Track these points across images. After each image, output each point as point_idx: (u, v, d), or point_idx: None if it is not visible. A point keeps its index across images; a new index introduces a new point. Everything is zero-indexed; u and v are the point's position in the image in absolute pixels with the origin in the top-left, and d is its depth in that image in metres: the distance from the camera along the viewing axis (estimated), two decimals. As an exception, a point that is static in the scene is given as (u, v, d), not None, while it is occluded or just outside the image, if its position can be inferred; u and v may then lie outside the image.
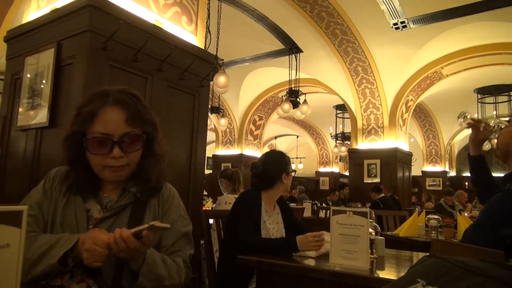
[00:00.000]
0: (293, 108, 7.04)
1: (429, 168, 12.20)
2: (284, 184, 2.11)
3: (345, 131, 11.06)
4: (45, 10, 2.63)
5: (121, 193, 1.13)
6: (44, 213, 1.09)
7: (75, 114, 1.09)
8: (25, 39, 2.66)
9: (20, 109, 2.56)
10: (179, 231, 1.15)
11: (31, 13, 2.77)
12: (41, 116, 2.40)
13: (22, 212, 0.64)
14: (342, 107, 10.14)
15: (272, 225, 2.05)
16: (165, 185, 1.21)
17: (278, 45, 7.19)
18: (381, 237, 1.82)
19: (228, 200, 3.41)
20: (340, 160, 15.04)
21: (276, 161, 2.13)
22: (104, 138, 1.04)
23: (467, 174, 14.88)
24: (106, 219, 1.07)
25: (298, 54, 7.33)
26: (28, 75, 2.54)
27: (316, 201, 7.79)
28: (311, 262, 1.59)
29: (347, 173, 11.83)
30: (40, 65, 2.47)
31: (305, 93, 7.91)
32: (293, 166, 15.63)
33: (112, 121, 1.05)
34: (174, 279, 1.05)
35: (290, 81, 7.51)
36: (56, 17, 2.43)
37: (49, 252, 0.94)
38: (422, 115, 11.16)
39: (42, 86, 2.43)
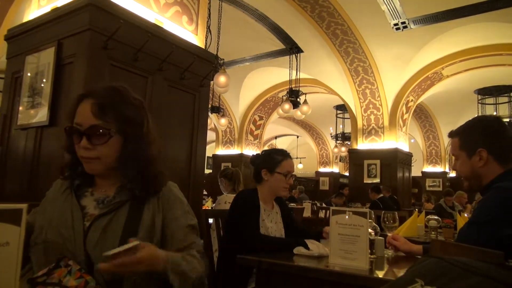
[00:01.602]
0: (293, 108, 7.04)
1: (429, 168, 12.21)
2: (268, 182, 2.06)
3: (345, 131, 11.06)
4: (45, 9, 2.63)
5: (119, 189, 1.12)
6: (37, 221, 1.11)
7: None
8: (26, 38, 2.66)
9: (20, 108, 2.56)
10: (188, 225, 1.16)
11: (32, 12, 2.77)
12: (41, 115, 2.40)
13: (22, 210, 0.64)
14: (342, 107, 10.14)
15: (271, 224, 2.04)
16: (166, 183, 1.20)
17: (279, 45, 7.19)
18: (381, 237, 1.82)
19: (228, 200, 3.41)
20: (340, 160, 15.04)
21: (263, 156, 2.13)
22: (75, 128, 1.09)
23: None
24: (104, 216, 1.07)
25: (298, 54, 7.33)
26: (29, 74, 2.54)
27: (316, 201, 7.78)
28: (310, 262, 1.59)
29: (347, 173, 11.84)
30: (41, 64, 2.47)
31: (305, 93, 7.92)
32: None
33: (83, 113, 1.09)
34: (198, 271, 1.08)
35: (290, 81, 7.51)
36: (56, 16, 2.43)
37: None
38: (423, 115, 11.16)
39: (42, 85, 2.43)
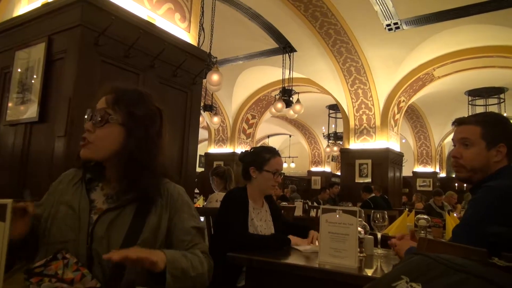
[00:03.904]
0: (286, 107, 7.05)
1: (420, 168, 12.31)
2: (256, 180, 2.06)
3: (337, 131, 11.10)
4: (36, 4, 2.60)
5: (128, 186, 1.14)
6: (46, 207, 1.14)
7: None
8: (16, 33, 2.63)
9: (10, 104, 2.53)
10: (194, 227, 1.18)
11: (22, 7, 2.73)
12: (31, 111, 2.37)
13: (7, 206, 0.63)
14: (334, 107, 10.17)
15: (260, 223, 2.04)
16: (174, 186, 1.22)
17: (272, 44, 7.19)
18: (370, 236, 1.83)
19: (219, 198, 3.41)
20: (332, 160, 15.10)
21: (251, 154, 2.13)
22: (90, 112, 1.13)
23: (457, 175, 15.01)
24: (111, 211, 1.09)
25: (291, 54, 7.34)
26: (19, 70, 2.51)
27: (307, 200, 7.82)
28: (300, 260, 1.59)
29: (339, 173, 11.89)
30: (31, 59, 2.44)
31: (298, 93, 7.93)
32: (285, 165, 15.62)
33: (100, 103, 1.14)
34: (198, 269, 1.09)
35: (283, 80, 7.52)
36: (47, 11, 2.41)
37: None
38: (414, 116, 11.26)
39: (32, 81, 2.40)
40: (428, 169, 12.19)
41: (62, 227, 1.06)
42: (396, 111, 7.99)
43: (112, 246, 1.03)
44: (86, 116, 1.14)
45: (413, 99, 8.46)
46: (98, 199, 1.13)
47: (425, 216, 3.04)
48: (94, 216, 1.09)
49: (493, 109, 9.14)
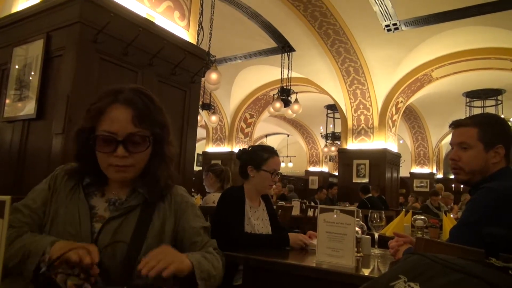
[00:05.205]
0: (284, 107, 7.05)
1: (417, 169, 12.35)
2: (253, 179, 2.05)
3: (335, 131, 11.11)
4: (34, 0, 2.59)
5: (131, 193, 1.12)
6: (46, 209, 1.09)
7: (86, 109, 1.09)
8: (14, 29, 2.61)
9: (7, 101, 2.52)
10: (201, 227, 1.19)
11: (21, 3, 2.72)
12: (28, 108, 2.37)
13: (5, 203, 0.63)
14: (333, 107, 10.19)
15: (257, 221, 2.04)
16: (175, 188, 1.21)
17: (271, 43, 7.19)
18: (367, 236, 1.83)
19: (215, 199, 3.37)
20: (329, 160, 15.11)
21: (250, 152, 2.12)
22: (109, 136, 1.03)
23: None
24: (114, 219, 1.06)
25: (290, 53, 7.34)
26: (16, 66, 2.50)
27: (305, 200, 7.83)
28: (297, 260, 1.59)
29: (336, 173, 11.91)
30: (29, 56, 2.44)
31: (296, 92, 7.94)
32: (282, 165, 15.60)
33: (118, 120, 1.04)
34: (217, 267, 1.11)
35: (282, 80, 7.52)
36: (46, 8, 2.40)
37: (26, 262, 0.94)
38: (412, 117, 11.28)
39: (30, 78, 2.39)
40: (425, 170, 12.23)
41: (63, 232, 1.03)
42: (394, 112, 8.00)
43: (117, 254, 1.02)
44: (102, 142, 1.04)
45: (411, 100, 8.48)
46: (99, 205, 1.09)
47: (422, 217, 3.05)
48: (96, 224, 1.05)
49: (491, 110, 9.17)
